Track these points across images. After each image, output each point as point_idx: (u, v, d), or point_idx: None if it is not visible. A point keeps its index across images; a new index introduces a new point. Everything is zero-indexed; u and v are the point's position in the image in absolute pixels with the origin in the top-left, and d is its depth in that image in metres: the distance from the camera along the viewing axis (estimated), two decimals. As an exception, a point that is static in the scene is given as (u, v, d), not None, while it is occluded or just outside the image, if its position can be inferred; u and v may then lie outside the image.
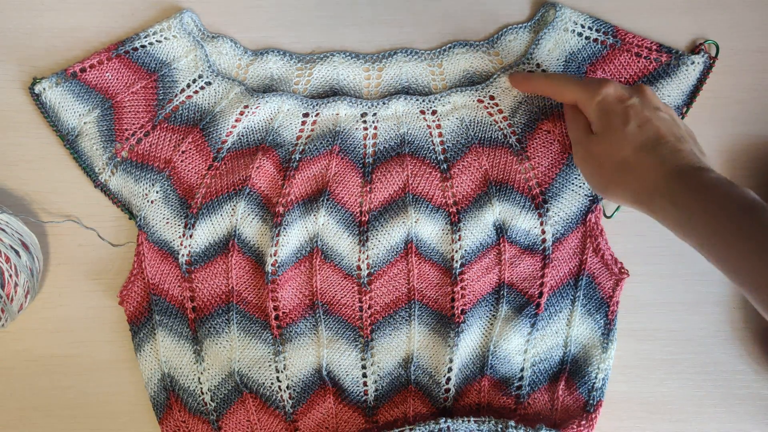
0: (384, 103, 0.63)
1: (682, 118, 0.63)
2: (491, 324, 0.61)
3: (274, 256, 0.60)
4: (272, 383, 0.60)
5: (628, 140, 0.52)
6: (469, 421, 0.57)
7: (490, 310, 0.61)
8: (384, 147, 0.63)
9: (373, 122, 0.63)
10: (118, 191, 0.62)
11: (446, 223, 0.62)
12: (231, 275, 0.61)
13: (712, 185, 0.48)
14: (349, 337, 0.61)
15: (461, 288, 0.60)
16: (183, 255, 0.61)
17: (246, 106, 0.63)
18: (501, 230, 0.61)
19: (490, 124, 0.63)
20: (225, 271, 0.61)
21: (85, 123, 0.62)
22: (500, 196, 0.62)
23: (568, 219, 0.62)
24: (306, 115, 0.63)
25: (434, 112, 0.64)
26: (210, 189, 0.62)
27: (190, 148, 0.62)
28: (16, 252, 0.57)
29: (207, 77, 0.64)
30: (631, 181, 0.52)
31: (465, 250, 0.61)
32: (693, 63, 0.63)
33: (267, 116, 0.63)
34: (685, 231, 0.49)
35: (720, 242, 0.47)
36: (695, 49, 0.64)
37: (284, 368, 0.60)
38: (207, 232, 0.61)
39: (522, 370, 0.60)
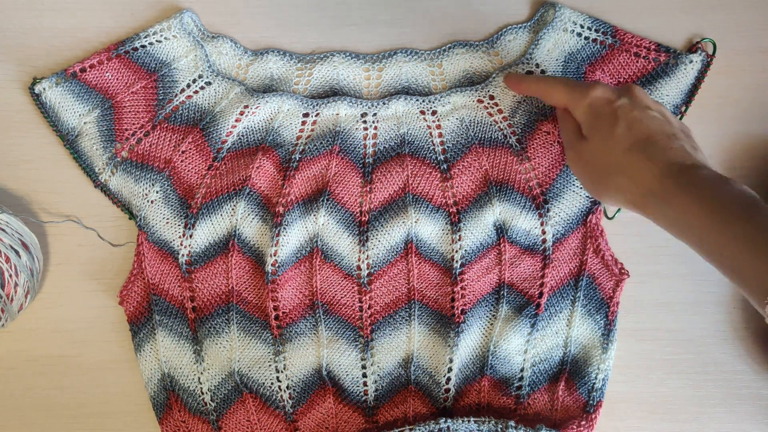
0: (384, 104, 0.63)
1: (681, 117, 0.63)
2: (491, 324, 0.61)
3: (274, 256, 0.60)
4: (272, 383, 0.60)
5: (617, 142, 0.52)
6: (469, 421, 0.57)
7: (490, 310, 0.61)
8: (384, 147, 0.63)
9: (373, 122, 0.63)
10: (118, 191, 0.62)
11: (446, 223, 0.62)
12: (231, 275, 0.61)
13: (705, 183, 0.48)
14: (349, 337, 0.61)
15: (461, 288, 0.60)
16: (183, 255, 0.61)
17: (246, 106, 0.63)
18: (501, 230, 0.61)
19: (490, 125, 0.63)
20: (225, 271, 0.61)
21: (85, 123, 0.62)
22: (500, 197, 0.62)
23: (568, 219, 0.62)
24: (306, 115, 0.63)
25: (434, 113, 0.64)
26: (210, 189, 0.62)
27: (190, 148, 0.62)
28: (16, 252, 0.57)
29: (207, 77, 0.64)
30: (623, 184, 0.51)
31: (465, 250, 0.61)
32: (691, 62, 0.63)
33: (267, 116, 0.63)
34: (681, 230, 0.49)
35: (716, 241, 0.46)
36: (692, 47, 0.64)
37: (284, 368, 0.60)
38: (207, 232, 0.61)
39: (522, 370, 0.60)
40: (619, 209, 0.63)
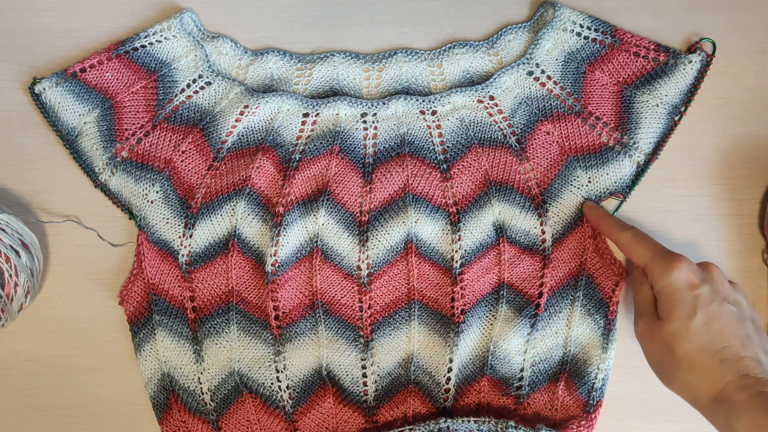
0: (384, 104, 0.63)
1: (680, 117, 0.63)
2: (491, 324, 0.61)
3: (274, 256, 0.60)
4: (272, 383, 0.60)
5: (692, 336, 0.51)
6: (469, 421, 0.57)
7: (490, 310, 0.61)
8: (384, 147, 0.63)
9: (373, 122, 0.63)
10: (118, 191, 0.62)
11: (446, 223, 0.62)
12: (231, 275, 0.61)
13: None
14: (349, 337, 0.61)
15: (461, 288, 0.60)
16: (183, 255, 0.61)
17: (246, 106, 0.63)
18: (501, 230, 0.61)
19: (490, 125, 0.63)
20: (225, 271, 0.61)
21: (85, 123, 0.62)
22: (500, 197, 0.62)
23: (567, 219, 0.62)
24: (306, 115, 0.63)
25: (434, 113, 0.64)
26: (210, 189, 0.62)
27: (190, 148, 0.62)
28: (16, 252, 0.57)
29: (207, 77, 0.64)
30: (693, 383, 0.51)
31: (465, 250, 0.61)
32: (690, 62, 0.63)
33: (267, 116, 0.63)
34: None
35: None
36: (691, 47, 0.64)
37: (284, 368, 0.60)
38: (207, 232, 0.61)
39: (522, 370, 0.60)
40: (617, 208, 0.63)
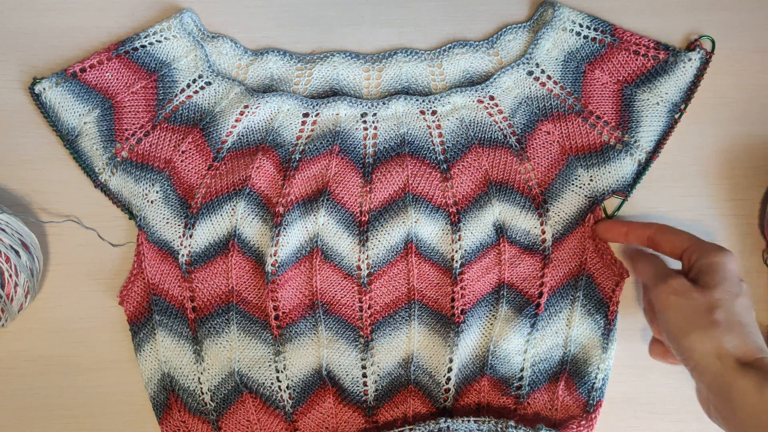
0: (384, 104, 0.63)
1: (681, 115, 0.63)
2: (491, 324, 0.61)
3: (274, 256, 0.60)
4: (272, 383, 0.60)
5: (735, 311, 0.51)
6: (469, 421, 0.57)
7: (490, 310, 0.61)
8: (384, 147, 0.63)
9: (373, 122, 0.63)
10: (118, 191, 0.62)
11: (446, 223, 0.62)
12: (231, 275, 0.61)
13: None
14: (349, 337, 0.61)
15: (461, 288, 0.60)
16: (183, 255, 0.61)
17: (246, 106, 0.63)
18: (501, 230, 0.61)
19: (490, 125, 0.63)
20: (225, 271, 0.61)
21: (85, 123, 0.62)
22: (500, 197, 0.62)
23: (568, 219, 0.62)
24: (306, 115, 0.63)
25: (434, 113, 0.64)
26: (210, 189, 0.62)
27: (190, 148, 0.62)
28: (16, 252, 0.57)
29: (207, 77, 0.64)
30: (727, 342, 0.50)
31: (465, 250, 0.61)
32: (690, 59, 0.62)
33: (267, 116, 0.63)
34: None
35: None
36: (690, 45, 0.64)
37: (284, 368, 0.60)
38: (207, 232, 0.61)
39: (522, 370, 0.60)
40: (618, 207, 0.63)
